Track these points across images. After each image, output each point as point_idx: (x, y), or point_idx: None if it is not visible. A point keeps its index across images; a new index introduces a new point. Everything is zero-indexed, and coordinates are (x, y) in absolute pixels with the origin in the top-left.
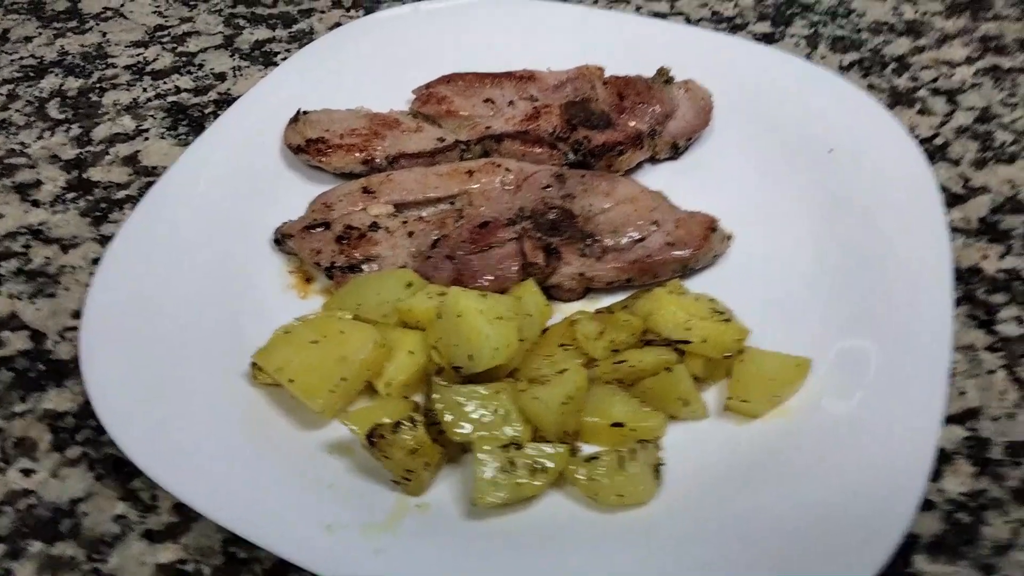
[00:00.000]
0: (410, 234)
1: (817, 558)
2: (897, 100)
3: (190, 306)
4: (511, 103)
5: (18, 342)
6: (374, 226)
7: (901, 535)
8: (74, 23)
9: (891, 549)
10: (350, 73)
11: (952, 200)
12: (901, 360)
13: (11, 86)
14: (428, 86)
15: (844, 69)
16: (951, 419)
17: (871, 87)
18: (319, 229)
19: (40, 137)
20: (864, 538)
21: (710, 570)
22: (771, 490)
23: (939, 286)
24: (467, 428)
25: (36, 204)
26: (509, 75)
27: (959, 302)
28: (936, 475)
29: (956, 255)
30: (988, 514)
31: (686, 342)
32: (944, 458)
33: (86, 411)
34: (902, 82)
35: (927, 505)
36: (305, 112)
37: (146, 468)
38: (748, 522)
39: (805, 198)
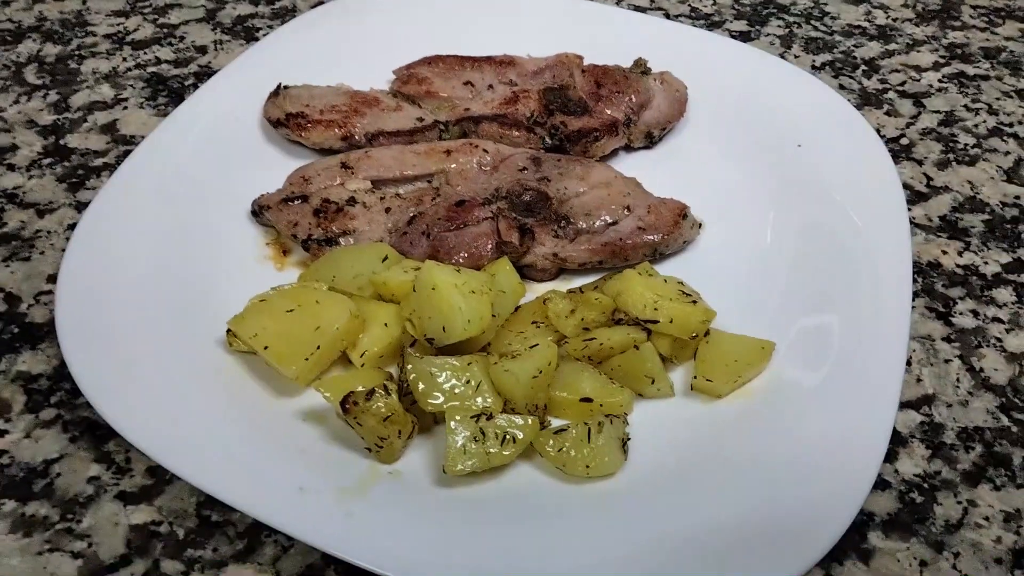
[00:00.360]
0: (387, 210)
1: (774, 533)
2: (866, 101)
3: (166, 274)
4: (490, 87)
5: None
6: (351, 201)
7: (855, 512)
8: None
9: (845, 525)
10: (331, 50)
11: (915, 198)
12: (861, 346)
13: None
14: (409, 67)
15: (816, 69)
16: (907, 404)
17: (841, 87)
18: (297, 202)
19: (16, 102)
20: (820, 515)
21: (673, 541)
22: (732, 467)
23: (899, 278)
24: (439, 398)
25: (12, 168)
26: (489, 59)
27: (918, 295)
28: (892, 457)
29: (917, 250)
30: (940, 494)
31: (654, 321)
32: (900, 441)
33: (60, 374)
34: (871, 84)
35: (883, 485)
36: (286, 87)
37: (122, 430)
38: (709, 496)
39: (774, 190)
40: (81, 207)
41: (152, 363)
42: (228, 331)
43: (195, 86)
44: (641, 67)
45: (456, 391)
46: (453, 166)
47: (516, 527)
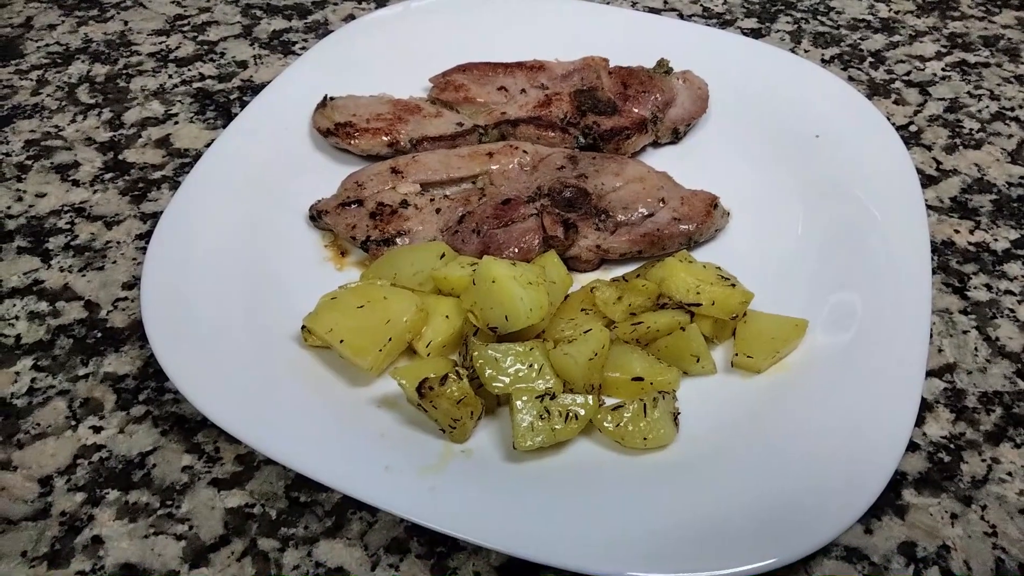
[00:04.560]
0: (437, 211)
1: (817, 491)
2: (875, 91)
3: (236, 277)
4: (523, 91)
5: (73, 311)
6: (404, 203)
7: (891, 472)
8: (95, 11)
9: (883, 485)
10: (368, 62)
11: (926, 181)
12: (888, 321)
13: (40, 72)
14: (444, 75)
15: (826, 62)
16: (931, 373)
17: (851, 79)
18: (353, 206)
19: (73, 121)
20: (858, 474)
21: (727, 504)
22: (776, 436)
23: (919, 256)
24: (504, 381)
25: (76, 184)
26: (520, 65)
27: (935, 271)
28: (920, 421)
29: (931, 230)
30: (966, 453)
31: (697, 304)
32: (926, 407)
33: (145, 373)
34: (879, 74)
35: (913, 447)
36: (331, 98)
37: (219, 421)
38: (756, 462)
39: (794, 179)
40: (146, 218)
41: (236, 359)
42: (303, 328)
43: (240, 100)
44: (664, 67)
45: (520, 374)
46: (495, 167)
47: (579, 496)
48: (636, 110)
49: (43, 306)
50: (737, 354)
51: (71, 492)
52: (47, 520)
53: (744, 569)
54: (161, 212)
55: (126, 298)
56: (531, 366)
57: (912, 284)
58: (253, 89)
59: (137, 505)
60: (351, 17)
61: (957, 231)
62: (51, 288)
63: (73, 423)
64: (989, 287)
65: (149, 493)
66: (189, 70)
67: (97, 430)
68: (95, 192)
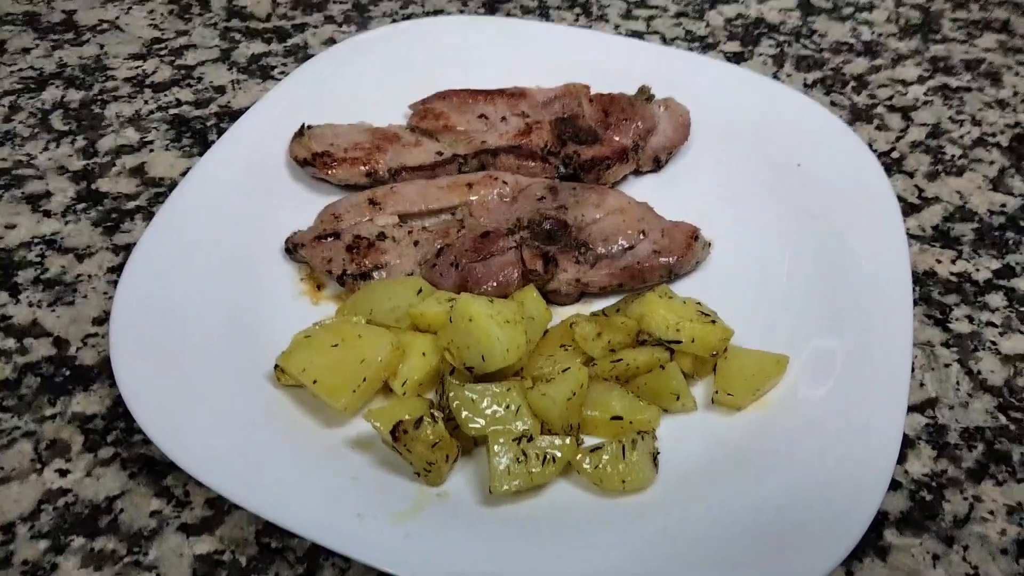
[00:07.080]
0: (415, 243)
1: (798, 534)
2: (857, 116)
3: (210, 313)
4: (504, 119)
5: (42, 348)
6: (381, 236)
7: (873, 513)
8: (71, 35)
9: (865, 525)
10: (347, 89)
11: (908, 209)
12: (869, 355)
13: (12, 97)
14: (424, 102)
15: (808, 86)
16: (912, 408)
17: (833, 104)
18: (329, 239)
19: (46, 148)
20: (840, 516)
21: (705, 547)
22: (756, 474)
23: (900, 288)
24: (480, 423)
25: (48, 214)
26: (501, 92)
27: (917, 303)
28: (901, 458)
29: (913, 260)
30: (947, 492)
31: (676, 342)
32: (908, 443)
33: (114, 413)
34: (861, 99)
35: (894, 485)
36: (309, 126)
37: (186, 466)
38: (736, 503)
39: (776, 208)
40: (118, 250)
41: (205, 399)
42: (276, 367)
43: (217, 126)
44: (645, 94)
45: (497, 416)
46: (475, 198)
47: (558, 540)
48: (617, 139)
49: (10, 343)
50: (717, 391)
51: (34, 539)
52: (8, 570)
53: None
54: (134, 244)
55: (96, 334)
56: (508, 407)
57: (894, 318)
58: (231, 115)
59: (103, 552)
60: (331, 41)
61: (939, 261)
62: (19, 324)
63: (39, 466)
64: (971, 319)
65: (116, 540)
66: (165, 95)
67: (63, 473)
68: (67, 223)
